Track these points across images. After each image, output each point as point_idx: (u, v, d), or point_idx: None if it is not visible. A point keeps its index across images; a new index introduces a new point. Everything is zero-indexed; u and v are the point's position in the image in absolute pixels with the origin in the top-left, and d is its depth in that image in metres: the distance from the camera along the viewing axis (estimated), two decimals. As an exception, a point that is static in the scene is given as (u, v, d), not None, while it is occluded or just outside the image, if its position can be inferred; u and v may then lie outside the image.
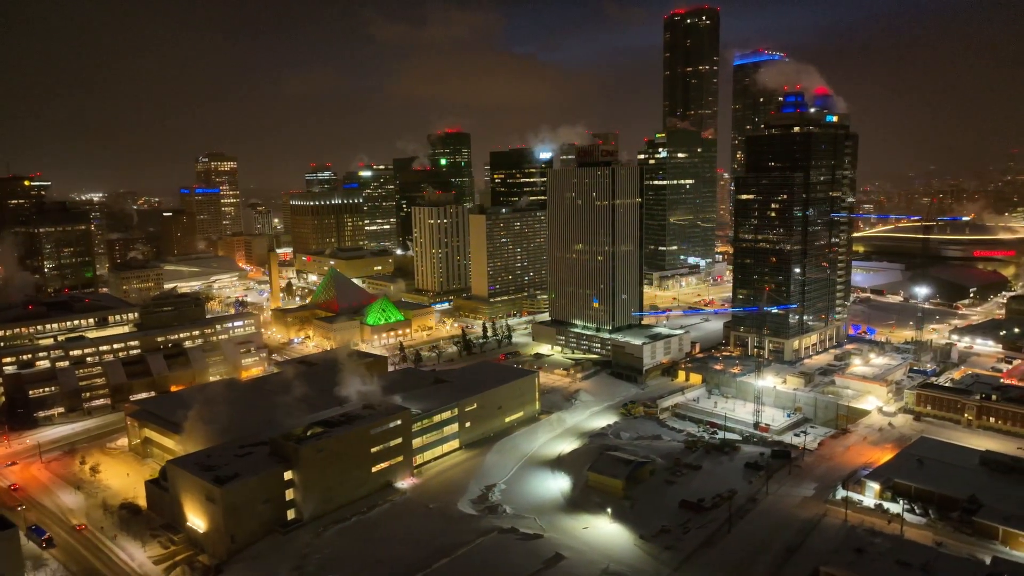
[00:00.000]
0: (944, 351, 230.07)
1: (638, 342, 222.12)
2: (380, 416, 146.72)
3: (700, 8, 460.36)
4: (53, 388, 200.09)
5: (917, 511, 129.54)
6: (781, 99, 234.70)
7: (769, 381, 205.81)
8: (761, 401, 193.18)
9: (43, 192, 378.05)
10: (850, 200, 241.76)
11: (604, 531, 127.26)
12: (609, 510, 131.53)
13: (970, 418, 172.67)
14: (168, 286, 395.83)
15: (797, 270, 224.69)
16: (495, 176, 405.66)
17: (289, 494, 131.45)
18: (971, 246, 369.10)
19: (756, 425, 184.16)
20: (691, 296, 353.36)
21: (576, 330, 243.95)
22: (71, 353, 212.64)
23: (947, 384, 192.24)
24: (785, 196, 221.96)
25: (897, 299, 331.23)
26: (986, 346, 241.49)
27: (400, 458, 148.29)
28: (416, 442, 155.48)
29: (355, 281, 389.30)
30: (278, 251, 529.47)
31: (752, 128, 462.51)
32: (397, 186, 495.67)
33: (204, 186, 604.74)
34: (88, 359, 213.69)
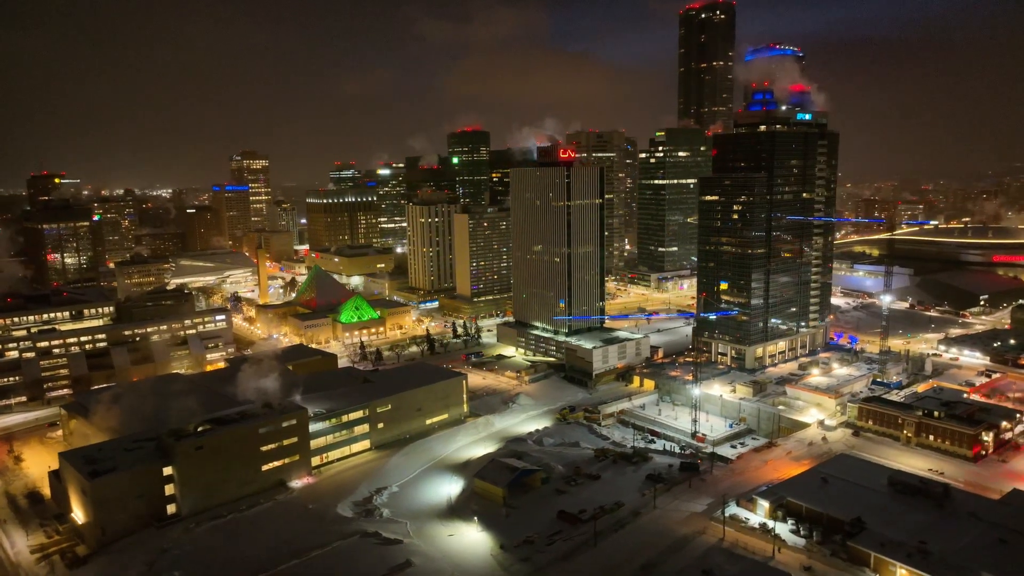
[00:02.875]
0: (917, 362, 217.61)
1: (589, 346, 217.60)
2: (274, 415, 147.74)
3: (715, 2, 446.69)
4: (16, 378, 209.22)
5: (802, 532, 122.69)
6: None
7: (716, 390, 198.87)
8: (699, 409, 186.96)
9: (55, 187, 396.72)
10: (820, 204, 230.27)
11: (469, 539, 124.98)
12: (476, 518, 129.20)
13: (909, 435, 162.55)
14: (182, 280, 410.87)
15: (759, 275, 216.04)
16: (493, 175, 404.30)
17: (169, 489, 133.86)
18: (991, 250, 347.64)
19: (693, 435, 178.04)
20: (690, 298, 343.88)
21: (536, 332, 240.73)
22: (38, 344, 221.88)
23: (900, 399, 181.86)
24: (745, 197, 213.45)
25: (904, 305, 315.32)
26: (973, 358, 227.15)
27: (296, 457, 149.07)
28: (320, 441, 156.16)
29: (355, 278, 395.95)
30: (298, 247, 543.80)
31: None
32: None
33: (235, 183, 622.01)
34: (55, 351, 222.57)
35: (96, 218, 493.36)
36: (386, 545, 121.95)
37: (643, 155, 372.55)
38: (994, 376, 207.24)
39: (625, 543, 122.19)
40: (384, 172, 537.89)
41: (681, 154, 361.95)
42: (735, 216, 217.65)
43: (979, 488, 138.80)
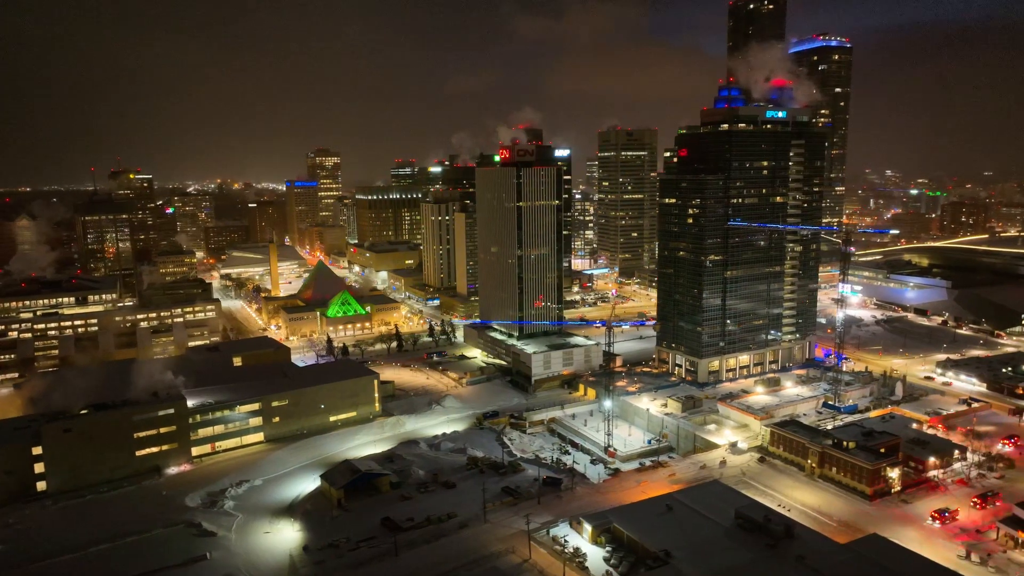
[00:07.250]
0: (889, 385, 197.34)
1: (530, 350, 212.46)
2: (153, 403, 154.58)
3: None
4: (11, 356, 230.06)
5: (612, 561, 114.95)
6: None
7: (644, 403, 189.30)
8: (619, 422, 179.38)
9: (125, 181, 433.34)
10: (796, 208, 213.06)
11: (282, 538, 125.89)
12: (296, 518, 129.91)
13: (813, 465, 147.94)
14: (231, 271, 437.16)
15: (712, 284, 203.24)
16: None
17: (40, 468, 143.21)
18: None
19: (605, 448, 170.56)
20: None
21: (492, 334, 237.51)
22: (36, 326, 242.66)
23: (824, 426, 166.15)
24: (701, 200, 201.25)
25: (938, 320, 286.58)
26: (968, 383, 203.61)
27: (175, 445, 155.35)
28: (206, 431, 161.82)
29: (383, 274, 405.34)
30: (353, 242, 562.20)
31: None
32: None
33: (308, 179, 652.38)
34: (51, 332, 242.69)
35: (170, 211, 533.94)
36: (200, 537, 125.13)
37: (667, 154, 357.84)
38: (974, 405, 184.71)
39: (429, 556, 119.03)
40: (435, 170, 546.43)
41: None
42: (690, 220, 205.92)
43: (852, 530, 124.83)
